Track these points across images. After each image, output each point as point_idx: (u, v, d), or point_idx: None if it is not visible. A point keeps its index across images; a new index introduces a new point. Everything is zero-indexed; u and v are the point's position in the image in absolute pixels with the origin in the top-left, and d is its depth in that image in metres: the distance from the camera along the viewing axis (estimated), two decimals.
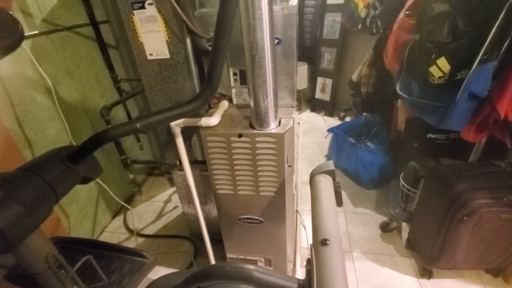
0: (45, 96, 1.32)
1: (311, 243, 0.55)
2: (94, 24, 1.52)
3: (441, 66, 1.07)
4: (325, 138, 2.46)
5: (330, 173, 0.71)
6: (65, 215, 1.41)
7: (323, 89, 2.87)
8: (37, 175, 0.58)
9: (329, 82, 2.81)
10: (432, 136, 1.36)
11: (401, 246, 1.47)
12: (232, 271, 0.50)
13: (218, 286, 0.56)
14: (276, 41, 0.96)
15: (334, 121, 2.81)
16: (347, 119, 2.78)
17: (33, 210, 0.54)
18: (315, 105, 3.03)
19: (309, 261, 0.53)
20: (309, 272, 0.51)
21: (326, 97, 2.87)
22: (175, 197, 1.91)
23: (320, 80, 2.87)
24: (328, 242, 0.52)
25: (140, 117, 0.62)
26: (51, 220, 1.30)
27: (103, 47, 1.58)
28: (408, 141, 1.47)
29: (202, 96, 0.64)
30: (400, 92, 1.23)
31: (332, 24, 2.59)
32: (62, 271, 0.63)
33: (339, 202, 0.67)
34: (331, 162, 0.73)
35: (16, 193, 0.53)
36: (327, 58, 2.74)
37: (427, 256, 1.29)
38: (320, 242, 0.52)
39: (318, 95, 2.94)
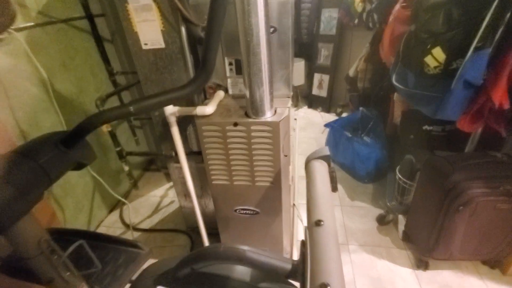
0: (40, 88, 1.31)
1: (306, 225, 0.55)
2: (90, 17, 1.51)
3: (436, 56, 1.07)
4: (322, 133, 2.46)
5: (326, 158, 0.71)
6: (61, 208, 1.40)
7: (320, 85, 2.87)
8: (30, 158, 0.57)
9: (326, 78, 2.81)
10: (428, 128, 1.37)
11: (398, 238, 1.47)
12: (225, 252, 0.49)
13: (212, 267, 0.56)
14: (272, 29, 0.96)
15: (331, 117, 2.81)
16: (344, 115, 2.78)
17: (25, 193, 0.54)
18: (312, 101, 3.03)
19: (303, 243, 0.53)
20: (303, 253, 0.50)
21: (323, 93, 2.87)
22: (171, 192, 1.90)
23: (317, 76, 2.87)
24: (322, 223, 0.51)
25: (133, 101, 0.61)
26: (46, 213, 1.29)
27: (99, 40, 1.57)
28: (404, 133, 1.48)
29: (197, 80, 0.64)
30: (395, 83, 1.23)
31: (328, 19, 2.59)
32: (55, 257, 0.63)
33: (334, 187, 0.66)
34: (327, 148, 0.73)
35: (8, 175, 0.52)
36: (324, 54, 2.74)
37: (423, 247, 1.29)
38: (314, 223, 0.52)
39: (315, 91, 2.95)
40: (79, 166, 0.70)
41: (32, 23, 1.27)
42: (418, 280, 1.28)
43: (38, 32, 1.30)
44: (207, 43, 0.63)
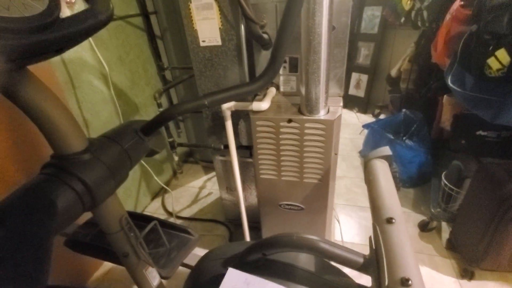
0: (101, 80, 1.41)
1: (372, 221, 0.56)
2: (145, 14, 1.60)
3: (500, 58, 1.02)
4: (359, 134, 2.42)
5: (387, 158, 0.71)
6: None
7: (358, 85, 2.81)
8: (117, 142, 0.63)
9: (364, 78, 2.74)
10: (482, 133, 1.30)
11: (441, 246, 1.42)
12: (298, 241, 0.52)
13: (278, 255, 0.59)
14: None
15: (368, 118, 2.74)
16: (382, 116, 2.71)
17: (115, 173, 0.60)
18: (348, 102, 2.97)
19: (371, 239, 0.54)
20: (374, 249, 0.52)
21: (361, 93, 2.81)
22: (209, 184, 1.97)
23: (355, 76, 2.81)
24: (394, 220, 0.52)
25: (207, 94, 0.65)
26: None
27: (152, 37, 1.66)
28: (455, 138, 1.41)
29: (265, 76, 0.67)
30: (451, 85, 1.18)
31: (371, 18, 2.53)
32: (132, 234, 0.69)
33: (397, 187, 0.67)
34: (388, 147, 0.73)
35: (102, 156, 0.58)
36: (364, 53, 2.68)
37: (470, 256, 1.24)
38: (385, 220, 0.53)
39: (352, 91, 2.89)
40: (151, 153, 0.76)
41: None
42: None
43: None
44: (279, 40, 0.66)
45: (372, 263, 0.50)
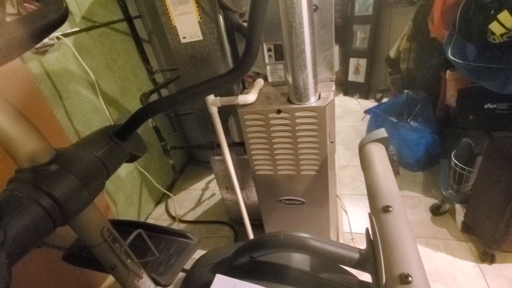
0: (89, 90, 1.39)
1: (369, 211, 0.51)
2: (129, 19, 1.56)
3: (504, 21, 0.94)
4: (362, 120, 2.34)
5: (383, 141, 0.65)
6: (114, 202, 1.49)
7: (357, 70, 2.72)
8: (89, 150, 0.59)
9: (363, 62, 2.65)
10: (491, 106, 1.22)
11: (456, 230, 1.35)
12: (286, 240, 0.47)
13: (270, 256, 0.54)
14: (313, 7, 0.90)
15: (370, 104, 2.65)
16: (384, 100, 2.61)
17: (88, 183, 0.56)
18: (348, 88, 2.88)
19: (368, 231, 0.49)
20: (370, 242, 0.46)
21: (360, 78, 2.72)
22: (212, 185, 1.93)
23: (353, 61, 2.72)
24: (390, 209, 0.47)
25: (181, 90, 0.61)
26: (101, 206, 1.38)
27: (138, 41, 1.63)
28: (462, 114, 1.33)
29: (242, 64, 0.62)
30: (452, 58, 1.10)
31: None
32: (117, 245, 0.65)
33: (396, 171, 0.61)
34: (383, 129, 0.67)
35: (72, 167, 0.54)
36: (360, 36, 2.59)
37: (489, 239, 1.16)
38: (381, 209, 0.47)
39: (351, 77, 2.80)
40: (132, 158, 0.72)
41: (77, 28, 1.34)
42: (482, 274, 1.16)
43: (83, 37, 1.38)
44: (251, 21, 0.60)
45: (370, 259, 0.44)
